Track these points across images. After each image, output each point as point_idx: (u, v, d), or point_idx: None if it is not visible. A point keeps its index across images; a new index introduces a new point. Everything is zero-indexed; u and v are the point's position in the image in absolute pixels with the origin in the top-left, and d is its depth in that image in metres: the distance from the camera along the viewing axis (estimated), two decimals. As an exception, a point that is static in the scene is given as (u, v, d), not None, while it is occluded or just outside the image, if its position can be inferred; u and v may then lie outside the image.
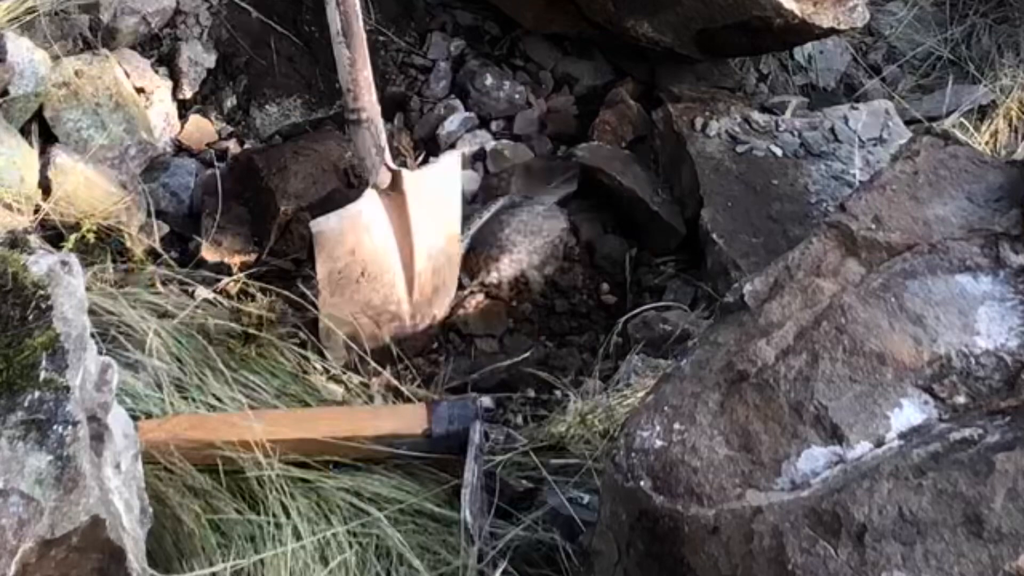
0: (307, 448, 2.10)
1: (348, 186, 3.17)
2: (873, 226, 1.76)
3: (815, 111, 3.44)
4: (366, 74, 2.63)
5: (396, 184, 2.66)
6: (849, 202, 1.82)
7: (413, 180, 2.68)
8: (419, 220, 2.69)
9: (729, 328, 1.73)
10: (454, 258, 2.89)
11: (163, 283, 2.59)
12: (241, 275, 2.66)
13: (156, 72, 3.32)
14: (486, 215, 3.02)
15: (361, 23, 2.62)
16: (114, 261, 2.63)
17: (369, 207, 2.63)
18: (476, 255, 3.03)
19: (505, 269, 3.00)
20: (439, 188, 2.79)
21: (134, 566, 1.54)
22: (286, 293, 2.61)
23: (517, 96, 3.61)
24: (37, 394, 1.45)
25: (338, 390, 2.46)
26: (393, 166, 2.66)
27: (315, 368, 2.50)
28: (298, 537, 2.00)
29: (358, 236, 2.61)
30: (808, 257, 1.75)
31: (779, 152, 3.24)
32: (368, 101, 2.63)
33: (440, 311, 2.87)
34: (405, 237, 2.69)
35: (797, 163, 3.22)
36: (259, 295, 2.56)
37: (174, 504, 2.00)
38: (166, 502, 1.99)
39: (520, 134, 3.55)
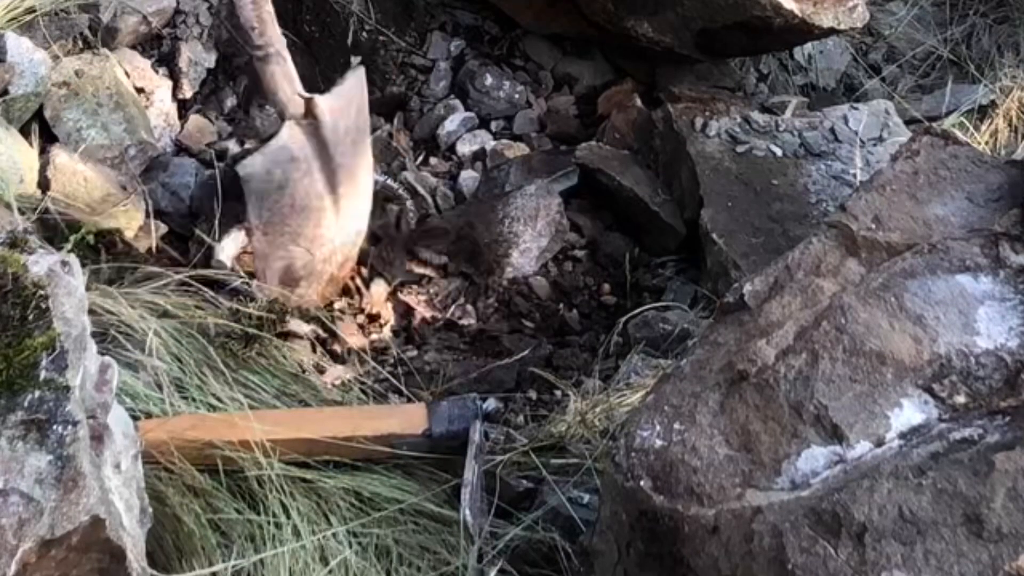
0: (307, 448, 2.10)
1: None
2: (873, 226, 1.76)
3: (815, 111, 3.44)
4: (268, 8, 2.66)
5: (310, 111, 2.68)
6: (849, 202, 1.82)
7: (325, 104, 2.70)
8: (336, 142, 2.72)
9: (729, 328, 1.73)
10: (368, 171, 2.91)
11: (163, 283, 2.59)
12: (243, 275, 2.66)
13: (156, 72, 3.32)
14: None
15: None
16: (114, 261, 2.63)
17: (290, 140, 2.66)
18: (482, 255, 3.04)
19: (518, 259, 3.01)
20: (348, 106, 2.80)
21: (134, 566, 1.54)
22: (287, 292, 2.61)
23: (517, 96, 3.61)
24: (37, 394, 1.45)
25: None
26: (305, 94, 2.68)
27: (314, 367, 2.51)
28: (298, 537, 2.00)
29: (285, 170, 2.65)
30: (808, 257, 1.75)
31: (779, 152, 3.24)
32: (274, 34, 2.65)
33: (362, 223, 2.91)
34: (327, 162, 2.72)
35: (797, 163, 3.22)
36: (259, 295, 2.56)
37: (174, 504, 2.00)
38: (166, 502, 1.99)
39: (520, 134, 3.55)
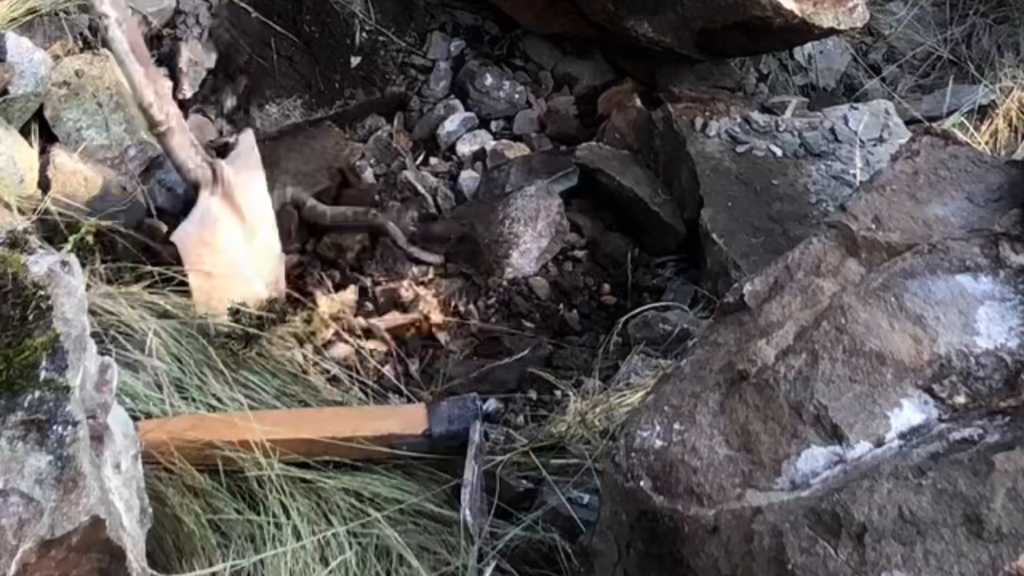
0: (307, 448, 2.10)
1: (342, 185, 3.17)
2: (873, 226, 1.76)
3: (815, 111, 3.44)
4: (163, 83, 2.64)
5: (216, 175, 2.67)
6: (849, 202, 1.82)
7: (225, 167, 2.69)
8: (243, 198, 2.72)
9: (729, 328, 1.73)
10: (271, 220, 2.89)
11: (163, 283, 2.59)
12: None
13: (156, 72, 3.32)
14: None
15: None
16: (113, 260, 2.63)
17: (209, 204, 2.66)
18: (482, 256, 3.04)
19: (518, 260, 3.01)
20: (245, 164, 2.80)
21: (134, 566, 1.54)
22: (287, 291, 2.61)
23: (517, 96, 3.61)
24: (37, 394, 1.45)
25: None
26: (210, 159, 2.68)
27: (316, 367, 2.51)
28: (298, 537, 2.00)
29: (211, 231, 2.65)
30: (808, 257, 1.75)
31: (779, 152, 3.24)
32: (171, 109, 2.62)
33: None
34: (238, 213, 2.72)
35: (797, 163, 3.22)
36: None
37: (174, 504, 2.00)
38: (166, 502, 1.99)
39: (520, 134, 3.55)
